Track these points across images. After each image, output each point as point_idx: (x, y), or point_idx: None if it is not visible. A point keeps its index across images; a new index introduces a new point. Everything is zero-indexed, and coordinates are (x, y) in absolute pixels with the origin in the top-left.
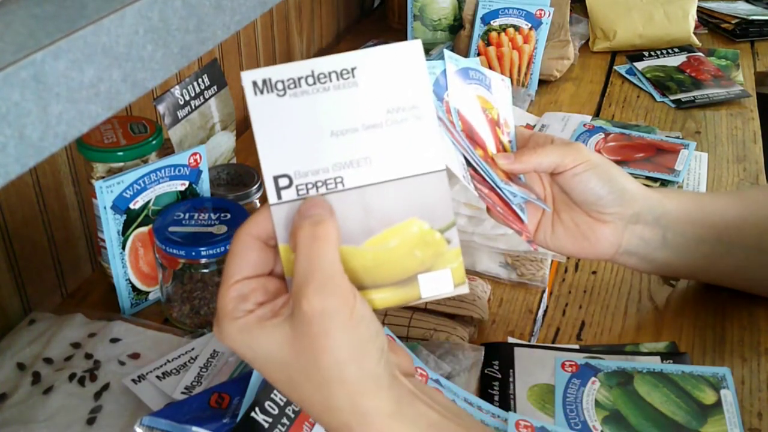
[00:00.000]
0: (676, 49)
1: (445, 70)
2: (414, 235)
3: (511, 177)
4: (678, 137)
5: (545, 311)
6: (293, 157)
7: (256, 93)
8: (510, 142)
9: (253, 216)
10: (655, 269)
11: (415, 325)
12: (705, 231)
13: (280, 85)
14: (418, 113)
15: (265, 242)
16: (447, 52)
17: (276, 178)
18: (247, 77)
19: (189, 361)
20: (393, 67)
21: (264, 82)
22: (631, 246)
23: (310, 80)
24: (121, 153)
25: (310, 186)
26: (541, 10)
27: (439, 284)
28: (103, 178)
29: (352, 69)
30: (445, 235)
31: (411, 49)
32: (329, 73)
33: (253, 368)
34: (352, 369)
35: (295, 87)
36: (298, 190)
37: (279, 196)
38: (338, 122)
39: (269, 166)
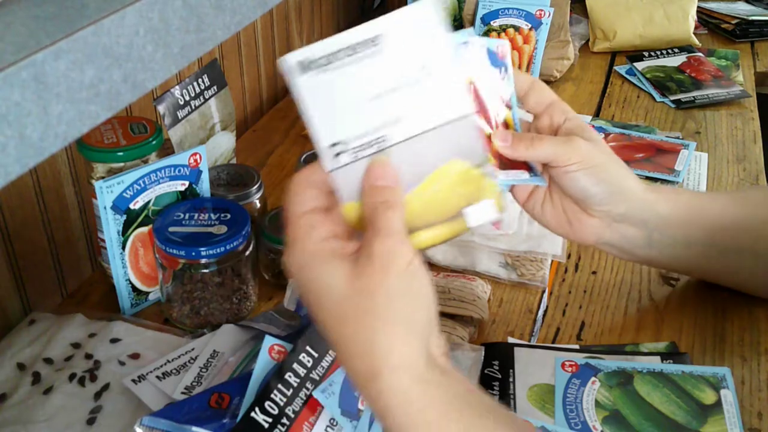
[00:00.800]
0: (676, 50)
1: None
2: (456, 174)
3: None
4: (678, 137)
5: (545, 311)
6: (342, 125)
7: (299, 73)
8: (513, 118)
9: (310, 166)
10: (636, 261)
11: None
12: (697, 234)
13: (321, 62)
14: (442, 65)
15: (320, 189)
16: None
17: (330, 146)
18: (290, 60)
19: (189, 361)
20: (413, 27)
21: (307, 61)
22: (613, 240)
23: (347, 52)
24: (121, 153)
25: (361, 147)
26: (541, 10)
27: (485, 213)
28: (103, 178)
29: (379, 35)
30: (483, 170)
31: (425, 6)
32: (360, 43)
33: (305, 301)
34: (400, 312)
35: (335, 61)
36: (351, 153)
37: (337, 162)
38: (376, 86)
39: (322, 136)
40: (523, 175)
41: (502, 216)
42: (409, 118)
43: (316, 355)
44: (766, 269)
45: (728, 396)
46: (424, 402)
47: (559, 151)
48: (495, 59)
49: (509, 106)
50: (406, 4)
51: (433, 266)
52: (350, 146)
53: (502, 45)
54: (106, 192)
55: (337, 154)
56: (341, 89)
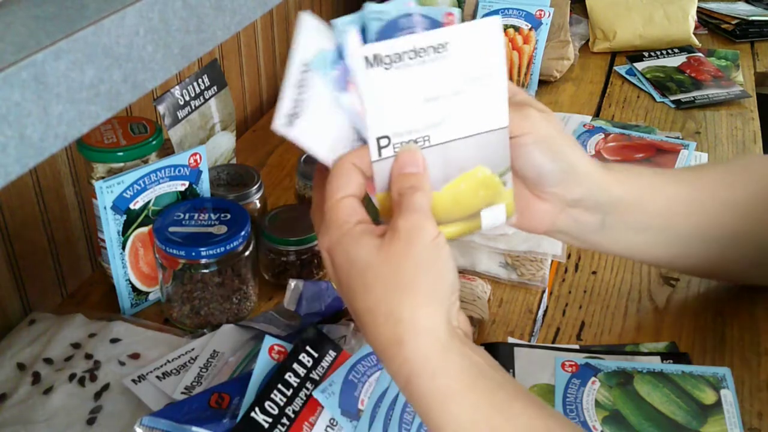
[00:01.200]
0: (676, 50)
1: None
2: (479, 179)
3: None
4: (678, 137)
5: (545, 311)
6: (393, 121)
7: (366, 67)
8: None
9: (356, 150)
10: (587, 248)
11: None
12: (650, 218)
13: (387, 60)
14: (493, 80)
15: (363, 171)
16: (366, 9)
17: (378, 139)
18: (360, 53)
19: (189, 361)
20: (476, 40)
21: (374, 57)
22: (565, 227)
23: (411, 54)
24: (121, 153)
25: (404, 143)
26: (541, 10)
27: (496, 216)
28: (103, 178)
29: (446, 44)
30: (502, 178)
31: (492, 24)
32: (427, 48)
33: (338, 280)
34: (424, 282)
35: (399, 61)
36: (394, 148)
37: (380, 154)
38: (431, 90)
39: (374, 129)
40: None
41: (512, 220)
42: (452, 122)
43: (316, 355)
44: (715, 253)
45: (728, 396)
46: (446, 368)
47: (512, 118)
48: (407, 24)
49: None
50: None
51: None
52: (395, 141)
53: (451, 15)
54: (106, 192)
55: (383, 147)
56: (401, 87)
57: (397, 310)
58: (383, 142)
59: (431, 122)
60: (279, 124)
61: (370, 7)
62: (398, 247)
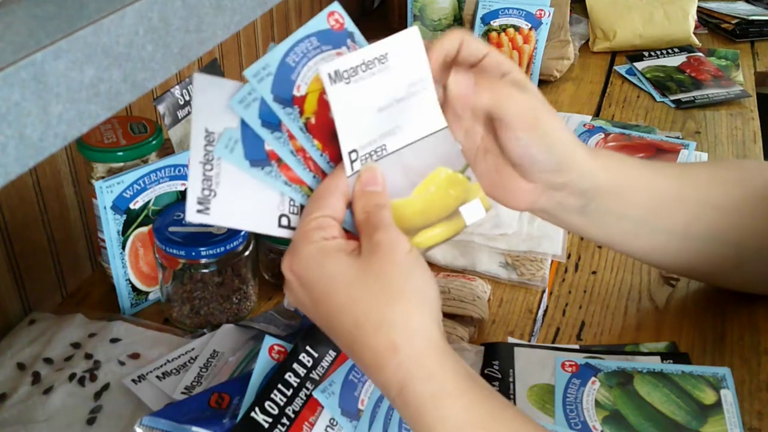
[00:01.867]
0: (676, 49)
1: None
2: (444, 178)
3: None
4: (678, 137)
5: (545, 311)
6: (357, 134)
7: (331, 83)
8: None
9: (337, 170)
10: (565, 228)
11: None
12: (631, 208)
13: (345, 75)
14: (424, 84)
15: (340, 198)
16: (269, 56)
17: (349, 153)
18: (324, 70)
19: (189, 361)
20: (406, 49)
21: (336, 73)
22: (548, 206)
23: (363, 68)
24: (121, 153)
25: (367, 156)
26: (541, 10)
27: (475, 211)
28: (103, 178)
29: (386, 54)
30: (465, 174)
31: (412, 32)
32: (373, 60)
33: (311, 300)
34: (412, 288)
35: (355, 74)
36: (361, 161)
37: (352, 168)
38: (382, 99)
39: (346, 143)
40: None
41: (489, 214)
42: (400, 129)
43: (316, 355)
44: (692, 252)
45: (728, 396)
46: (441, 370)
47: (506, 106)
48: (333, 37)
49: None
50: (406, 3)
51: (433, 266)
52: (361, 153)
53: (332, 14)
54: (106, 192)
55: (353, 161)
56: (360, 100)
57: (389, 317)
58: (353, 156)
59: (385, 131)
60: (192, 213)
61: (250, 72)
62: (382, 259)
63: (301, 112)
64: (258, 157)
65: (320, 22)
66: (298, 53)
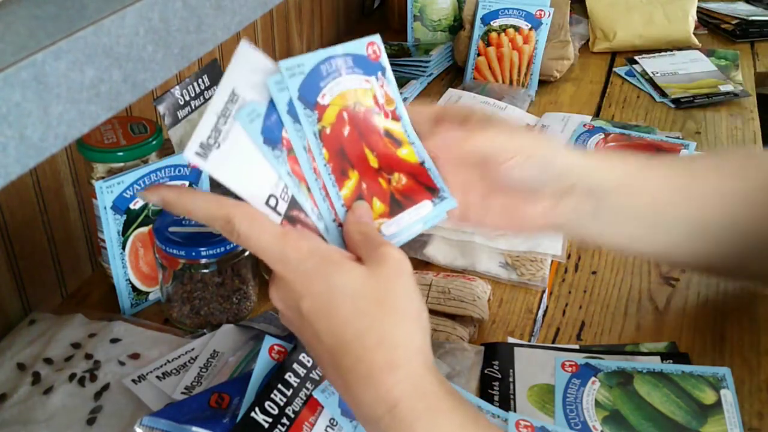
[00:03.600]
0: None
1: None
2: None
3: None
4: (678, 137)
5: (545, 311)
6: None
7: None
8: (405, 128)
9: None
10: (583, 241)
11: None
12: (642, 203)
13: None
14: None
15: None
16: (279, 75)
17: (267, 203)
18: (189, 151)
19: (189, 361)
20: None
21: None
22: (561, 220)
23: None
24: (121, 153)
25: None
26: (541, 10)
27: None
28: (103, 178)
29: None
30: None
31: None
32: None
33: (314, 302)
34: (413, 310)
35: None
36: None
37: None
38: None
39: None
40: (425, 207)
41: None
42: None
43: None
44: (712, 242)
45: (728, 396)
46: (435, 389)
47: (497, 141)
48: (367, 65)
49: (397, 118)
50: (406, 3)
51: (433, 266)
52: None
53: (372, 44)
54: (106, 192)
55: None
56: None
57: (391, 334)
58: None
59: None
60: (191, 153)
61: (284, 64)
62: (389, 273)
63: (319, 119)
64: (273, 138)
65: (359, 47)
66: (333, 65)
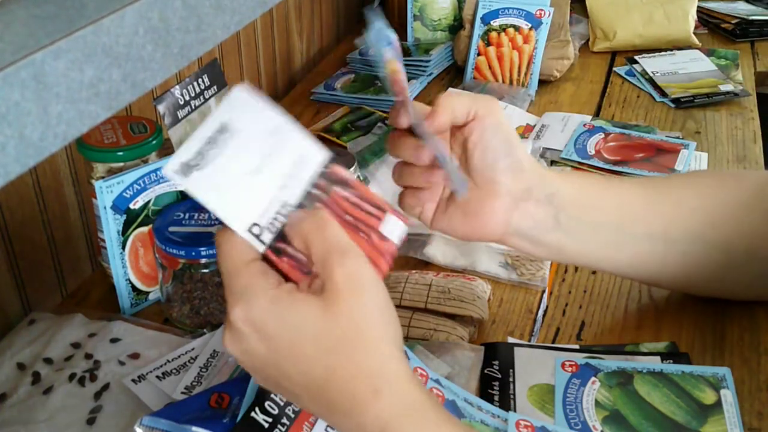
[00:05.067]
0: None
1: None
2: None
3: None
4: (678, 137)
5: (545, 311)
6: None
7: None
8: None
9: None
10: (549, 254)
11: (414, 325)
12: (603, 216)
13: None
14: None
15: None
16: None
17: (250, 230)
18: (169, 169)
19: (189, 361)
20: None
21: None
22: (522, 226)
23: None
24: (121, 153)
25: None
26: (541, 10)
27: (394, 226)
28: (103, 178)
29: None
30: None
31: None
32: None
33: (269, 352)
34: (382, 329)
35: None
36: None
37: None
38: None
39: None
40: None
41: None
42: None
43: None
44: (678, 257)
45: (728, 396)
46: (421, 406)
47: (476, 100)
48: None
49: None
50: (406, 3)
51: (433, 266)
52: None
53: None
54: (106, 192)
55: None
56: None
57: (365, 365)
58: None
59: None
60: (170, 170)
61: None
62: (346, 301)
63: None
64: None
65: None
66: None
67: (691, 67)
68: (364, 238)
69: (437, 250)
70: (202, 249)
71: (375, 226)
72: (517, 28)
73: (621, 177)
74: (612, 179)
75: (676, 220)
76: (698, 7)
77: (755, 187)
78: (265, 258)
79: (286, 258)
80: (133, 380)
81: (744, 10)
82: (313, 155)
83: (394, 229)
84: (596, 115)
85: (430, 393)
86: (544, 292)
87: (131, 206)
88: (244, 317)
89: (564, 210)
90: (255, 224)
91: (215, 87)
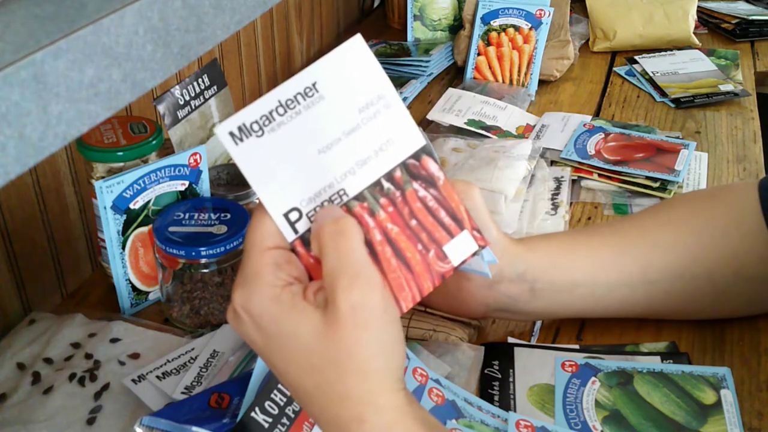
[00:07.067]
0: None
1: None
2: None
3: None
4: (678, 137)
5: None
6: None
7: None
8: None
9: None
10: (536, 317)
11: (414, 326)
12: (576, 275)
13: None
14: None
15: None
16: None
17: (286, 215)
18: (223, 129)
19: (189, 361)
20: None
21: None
22: (501, 304)
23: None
24: (121, 153)
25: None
26: (541, 10)
27: (464, 247)
28: (103, 178)
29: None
30: None
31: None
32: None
33: (265, 345)
34: (380, 363)
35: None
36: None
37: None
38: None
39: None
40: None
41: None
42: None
43: None
44: (662, 295)
45: (728, 396)
46: (409, 429)
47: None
48: None
49: None
50: (406, 3)
51: None
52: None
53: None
54: (106, 192)
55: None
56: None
57: (354, 393)
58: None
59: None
60: (224, 131)
61: None
62: (345, 331)
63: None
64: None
65: None
66: None
67: (691, 67)
68: (421, 251)
69: None
70: (202, 249)
71: (441, 241)
72: (517, 28)
73: (593, 227)
74: (581, 234)
75: (653, 262)
76: (698, 7)
77: (729, 207)
78: (293, 248)
79: (314, 255)
80: (133, 380)
81: (744, 10)
82: (406, 142)
83: (461, 249)
84: (596, 115)
85: (425, 417)
86: None
87: (131, 206)
88: (242, 303)
89: (538, 280)
90: (295, 209)
91: (215, 87)
